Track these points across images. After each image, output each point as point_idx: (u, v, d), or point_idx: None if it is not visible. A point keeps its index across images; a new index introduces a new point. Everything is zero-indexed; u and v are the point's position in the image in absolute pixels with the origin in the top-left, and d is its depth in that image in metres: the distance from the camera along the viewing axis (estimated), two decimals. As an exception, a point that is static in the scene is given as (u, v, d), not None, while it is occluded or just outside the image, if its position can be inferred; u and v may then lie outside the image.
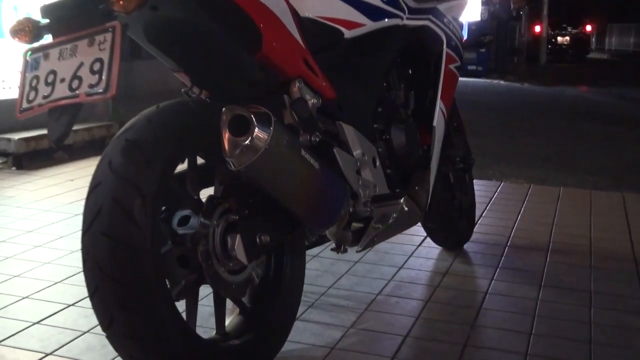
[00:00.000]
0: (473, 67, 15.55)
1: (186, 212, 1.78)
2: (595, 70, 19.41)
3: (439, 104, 2.63)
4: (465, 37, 2.99)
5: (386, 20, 2.38)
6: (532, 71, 15.54)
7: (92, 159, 4.94)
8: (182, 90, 2.01)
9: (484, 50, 15.44)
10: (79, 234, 1.60)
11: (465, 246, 3.25)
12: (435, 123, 2.61)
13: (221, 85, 1.94)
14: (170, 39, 1.81)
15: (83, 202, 1.60)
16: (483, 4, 16.69)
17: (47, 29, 1.68)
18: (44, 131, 4.76)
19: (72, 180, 4.33)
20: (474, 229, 3.36)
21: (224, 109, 1.68)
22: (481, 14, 16.80)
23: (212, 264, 1.76)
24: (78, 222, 1.83)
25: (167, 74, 1.91)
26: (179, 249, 1.74)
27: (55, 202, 3.77)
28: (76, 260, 2.71)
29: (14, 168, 4.67)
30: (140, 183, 1.56)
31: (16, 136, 4.73)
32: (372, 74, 2.38)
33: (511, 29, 16.92)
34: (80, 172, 4.57)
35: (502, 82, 15.18)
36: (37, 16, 1.72)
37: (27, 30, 1.69)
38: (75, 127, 4.60)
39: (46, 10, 1.67)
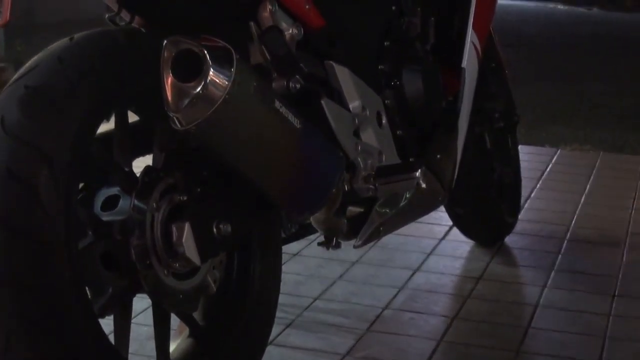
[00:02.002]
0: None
1: (113, 190, 1.78)
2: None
3: (469, 35, 2.64)
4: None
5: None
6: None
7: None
8: (106, 16, 2.00)
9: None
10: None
11: (507, 240, 3.28)
12: (464, 63, 2.62)
13: (161, 7, 1.94)
14: None
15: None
16: None
17: None
18: None
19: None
20: (520, 216, 3.38)
21: (165, 42, 1.68)
22: None
23: (151, 264, 1.77)
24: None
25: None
26: (104, 242, 1.74)
27: None
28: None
29: None
30: (47, 148, 1.56)
31: None
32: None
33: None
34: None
35: (560, 5, 15.16)
36: None
37: None
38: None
39: None
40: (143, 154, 1.92)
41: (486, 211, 3.11)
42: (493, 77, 3.08)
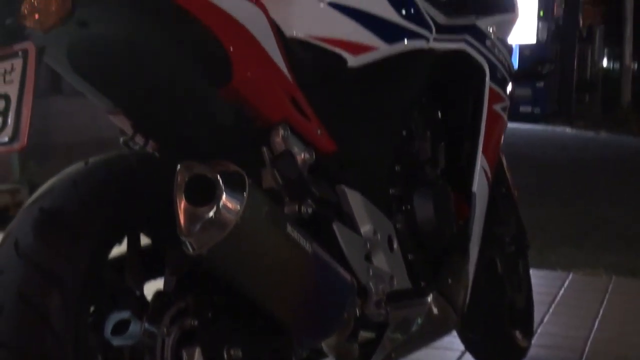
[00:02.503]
0: (527, 108, 15.72)
1: (124, 314, 1.77)
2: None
3: (479, 160, 2.66)
4: (515, 65, 3.03)
5: (406, 41, 2.42)
6: (610, 114, 15.68)
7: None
8: (121, 139, 2.02)
9: (542, 84, 15.61)
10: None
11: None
12: (475, 188, 2.63)
13: (175, 132, 1.96)
14: (105, 67, 1.84)
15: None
16: (540, 20, 16.93)
17: None
18: None
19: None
20: (533, 341, 3.35)
21: (179, 166, 1.69)
22: (538, 33, 17.06)
23: None
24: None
25: (99, 117, 1.94)
26: (113, 367, 1.73)
27: None
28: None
29: None
30: (59, 273, 1.56)
31: None
32: (387, 116, 2.41)
33: (581, 55, 17.16)
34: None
35: (568, 129, 15.32)
36: None
37: None
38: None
39: None
40: (154, 277, 1.92)
41: (499, 336, 3.08)
42: (503, 202, 3.08)
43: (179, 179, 1.68)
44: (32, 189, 4.86)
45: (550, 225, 6.17)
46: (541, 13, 16.87)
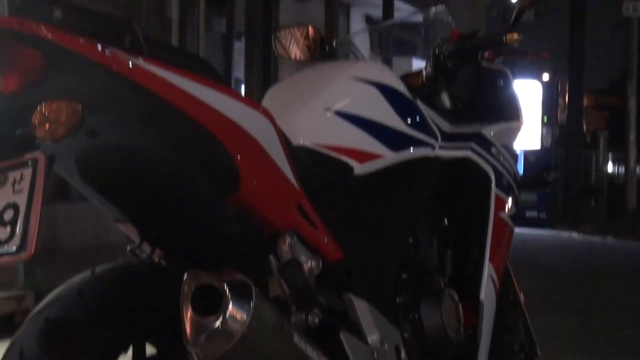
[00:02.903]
0: (533, 214, 15.67)
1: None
2: None
3: (487, 268, 2.65)
4: (521, 171, 3.05)
5: (412, 149, 2.45)
6: (617, 219, 15.63)
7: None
8: (128, 248, 2.02)
9: (547, 190, 15.64)
10: None
11: None
12: (482, 296, 2.62)
13: (182, 241, 1.96)
14: (114, 175, 1.85)
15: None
16: (545, 125, 17.05)
17: None
18: None
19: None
20: None
21: (185, 275, 1.69)
22: (542, 139, 17.15)
23: None
24: None
25: (106, 224, 1.94)
26: None
27: None
28: None
29: None
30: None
31: None
32: (393, 224, 2.41)
33: (585, 160, 17.20)
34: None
35: (575, 234, 15.24)
36: None
37: None
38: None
39: None
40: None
41: None
42: (511, 309, 3.06)
43: (185, 289, 1.67)
44: (38, 295, 4.84)
45: (558, 332, 6.10)
46: (545, 119, 16.99)
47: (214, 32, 12.41)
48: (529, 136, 15.54)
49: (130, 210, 1.95)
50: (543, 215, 15.98)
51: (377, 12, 15.13)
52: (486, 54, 2.85)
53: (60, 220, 7.70)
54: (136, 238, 2.00)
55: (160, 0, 10.65)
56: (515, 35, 2.73)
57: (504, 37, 2.74)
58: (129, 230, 2.02)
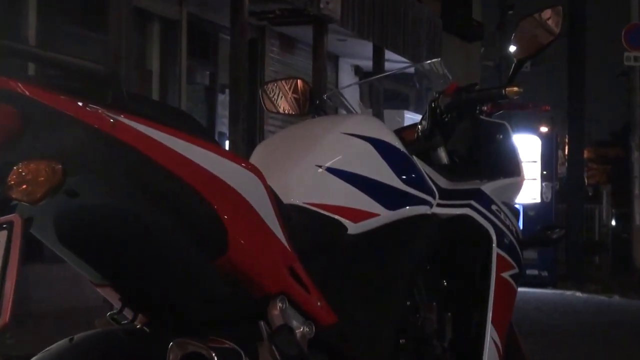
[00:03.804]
0: (534, 272, 15.68)
1: None
2: None
3: (489, 331, 2.64)
4: (520, 226, 3.05)
5: (408, 207, 2.45)
6: (623, 277, 15.64)
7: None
8: (108, 314, 2.01)
9: (549, 247, 15.66)
10: None
11: None
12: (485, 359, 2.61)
13: (167, 306, 1.95)
14: (94, 238, 1.84)
15: None
16: (544, 179, 17.13)
17: None
18: None
19: None
20: None
21: (171, 343, 1.68)
22: (542, 193, 17.23)
23: None
24: None
25: (83, 286, 1.93)
26: None
27: None
28: None
29: None
30: None
31: None
32: (390, 286, 2.41)
33: (588, 215, 17.26)
34: None
35: (579, 293, 15.24)
36: None
37: None
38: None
39: None
40: None
41: None
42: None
43: (171, 357, 1.67)
44: (10, 362, 4.77)
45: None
46: (544, 172, 17.10)
47: (197, 84, 12.46)
48: (528, 190, 15.57)
49: (111, 274, 1.94)
50: (545, 273, 15.99)
51: (367, 64, 15.23)
52: (485, 107, 2.86)
53: (33, 282, 7.63)
54: (117, 303, 1.99)
55: (140, 52, 10.69)
56: (516, 89, 2.74)
57: (504, 90, 2.75)
58: (110, 295, 2.01)
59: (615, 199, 17.42)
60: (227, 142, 11.01)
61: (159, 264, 1.86)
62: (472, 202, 2.68)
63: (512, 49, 2.84)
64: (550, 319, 11.49)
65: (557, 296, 14.91)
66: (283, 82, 3.02)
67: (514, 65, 2.82)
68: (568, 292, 15.29)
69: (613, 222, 18.08)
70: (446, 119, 2.79)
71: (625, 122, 17.02)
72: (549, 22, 2.73)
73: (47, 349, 1.73)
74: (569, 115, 16.85)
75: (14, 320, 1.53)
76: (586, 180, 18.10)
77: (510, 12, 26.14)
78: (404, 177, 2.45)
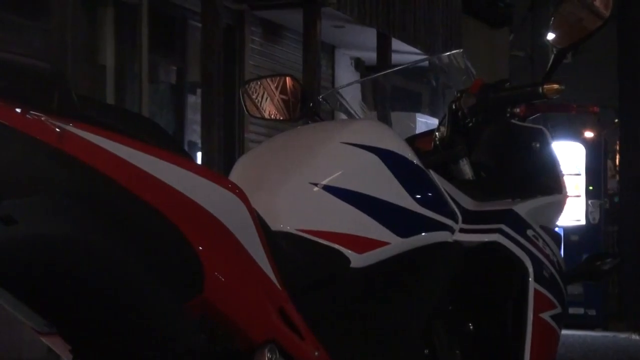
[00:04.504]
0: (580, 311, 15.67)
1: None
2: None
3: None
4: (562, 256, 3.05)
5: (424, 234, 2.46)
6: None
7: None
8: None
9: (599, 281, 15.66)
10: None
11: None
12: None
13: (129, 359, 1.95)
14: (39, 276, 1.84)
15: None
16: (590, 195, 17.13)
17: None
18: None
19: None
20: None
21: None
22: (588, 214, 17.23)
23: None
24: None
25: (24, 334, 1.94)
26: None
27: None
28: None
29: None
30: None
31: None
32: (403, 331, 2.42)
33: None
34: None
35: (635, 336, 15.25)
36: None
37: None
38: None
39: None
40: None
41: None
42: None
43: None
44: None
45: None
46: (590, 187, 17.09)
47: (161, 83, 12.48)
48: (571, 210, 15.56)
49: (59, 321, 1.94)
50: (592, 312, 15.98)
51: (370, 56, 15.27)
52: (517, 109, 2.86)
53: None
54: (67, 355, 1.99)
55: (91, 44, 10.69)
56: (556, 86, 2.74)
57: (541, 88, 2.75)
58: (57, 345, 2.01)
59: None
60: (199, 154, 11.02)
61: (119, 307, 1.86)
62: (503, 227, 2.68)
63: (550, 36, 2.81)
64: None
65: (608, 339, 14.91)
66: (268, 80, 3.03)
67: (553, 56, 2.81)
68: (622, 335, 15.30)
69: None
70: (470, 124, 2.80)
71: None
72: (596, 2, 2.73)
73: None
74: (620, 118, 16.86)
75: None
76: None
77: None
78: (419, 196, 2.46)
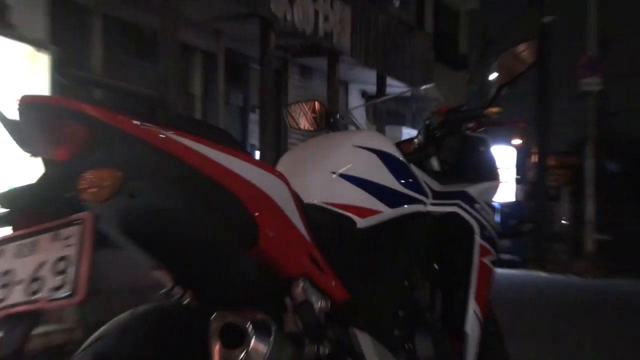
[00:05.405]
0: (508, 257, 15.63)
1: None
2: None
3: (472, 305, 2.63)
4: (498, 219, 3.03)
5: (406, 206, 2.43)
6: (577, 261, 15.61)
7: (49, 372, 4.85)
8: (162, 291, 2.00)
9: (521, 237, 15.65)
10: None
11: None
12: (468, 328, 2.60)
13: (210, 285, 1.94)
14: (150, 231, 1.84)
15: None
16: (518, 182, 17.12)
17: (5, 220, 1.71)
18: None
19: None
20: None
21: (213, 315, 1.67)
22: (516, 193, 17.22)
23: None
24: None
25: (142, 268, 1.93)
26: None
27: None
28: None
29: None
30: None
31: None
32: (391, 270, 2.39)
33: (550, 211, 17.20)
34: (29, 392, 4.48)
35: (542, 273, 15.21)
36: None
37: (-21, 221, 1.72)
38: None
39: (5, 199, 1.70)
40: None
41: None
42: (492, 339, 3.03)
43: (214, 326, 1.67)
44: (86, 328, 4.76)
45: (529, 357, 6.06)
46: (517, 177, 17.15)
47: (232, 105, 12.43)
48: (504, 191, 15.55)
49: (164, 261, 1.93)
50: (517, 258, 15.94)
51: (372, 89, 15.20)
52: (470, 124, 2.84)
53: (102, 264, 7.63)
54: (169, 283, 1.98)
55: (185, 78, 10.69)
56: (495, 109, 2.73)
57: (486, 111, 2.74)
58: (163, 277, 2.00)
59: (573, 198, 17.34)
60: (257, 153, 10.99)
61: (204, 252, 1.85)
62: (459, 202, 2.67)
63: (493, 76, 2.79)
64: (519, 294, 11.47)
65: (524, 276, 14.85)
66: (303, 103, 3.01)
67: (495, 89, 2.79)
68: (533, 273, 15.24)
69: (570, 217, 18.00)
70: (438, 134, 2.78)
71: (581, 135, 16.91)
72: (524, 54, 2.70)
73: (115, 319, 1.73)
74: (536, 131, 16.80)
75: (90, 296, 1.54)
76: (549, 183, 18.00)
77: (490, 45, 26.01)
78: (403, 181, 2.44)
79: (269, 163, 1.97)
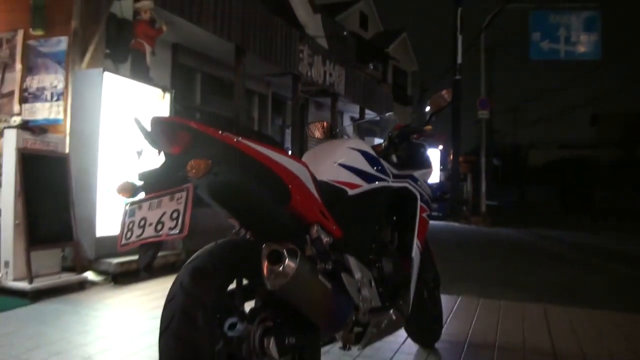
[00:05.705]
0: (436, 213, 15.59)
1: (234, 319, 1.72)
2: (522, 214, 19.51)
3: (415, 241, 2.61)
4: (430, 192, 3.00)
5: (377, 182, 2.41)
6: (475, 216, 15.56)
7: (167, 277, 4.87)
8: (233, 231, 2.00)
9: (443, 202, 15.64)
10: (157, 333, 1.54)
11: (436, 345, 3.11)
12: (413, 255, 2.58)
13: (261, 228, 1.93)
14: (226, 195, 1.82)
15: (161, 310, 1.56)
16: (441, 170, 17.03)
17: (141, 188, 1.70)
18: (134, 257, 4.74)
19: (153, 294, 4.25)
20: (442, 332, 3.22)
21: (264, 245, 1.66)
22: (440, 177, 17.12)
23: (253, 359, 1.68)
24: (157, 324, 1.76)
25: (222, 218, 1.91)
26: (229, 347, 1.66)
27: (141, 308, 3.71)
28: (154, 352, 2.61)
29: (112, 283, 4.64)
30: (203, 299, 1.53)
31: (114, 260, 4.71)
32: (368, 220, 2.37)
33: (460, 188, 17.13)
34: (158, 287, 4.51)
35: (456, 224, 15.12)
36: (134, 179, 1.75)
37: (128, 189, 1.71)
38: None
39: (141, 176, 1.70)
40: (250, 300, 1.86)
41: (424, 328, 2.99)
42: (427, 261, 3.01)
43: (264, 251, 1.66)
44: (188, 254, 4.78)
45: (449, 272, 6.02)
46: (441, 167, 17.06)
47: (275, 124, 12.38)
48: (434, 175, 15.48)
49: (234, 213, 1.92)
50: (441, 214, 15.88)
51: (357, 115, 15.15)
52: (415, 135, 2.80)
53: (198, 216, 7.60)
54: (237, 226, 1.97)
55: (248, 109, 10.67)
56: (429, 127, 2.70)
57: (423, 128, 2.71)
58: (234, 222, 1.99)
59: (473, 180, 17.29)
60: (290, 152, 10.96)
61: (258, 208, 1.84)
62: (409, 180, 2.64)
63: (427, 108, 2.77)
64: (442, 235, 11.43)
65: (445, 225, 14.80)
66: (318, 122, 2.98)
67: (429, 116, 2.76)
68: (451, 223, 15.19)
69: (472, 191, 17.97)
70: (396, 141, 2.74)
71: (477, 143, 16.82)
72: (445, 95, 2.67)
73: (205, 247, 1.72)
74: (452, 140, 16.70)
75: (191, 233, 1.54)
76: (460, 171, 17.96)
77: (425, 91, 25.76)
78: (375, 168, 2.41)
79: (298, 156, 1.94)
